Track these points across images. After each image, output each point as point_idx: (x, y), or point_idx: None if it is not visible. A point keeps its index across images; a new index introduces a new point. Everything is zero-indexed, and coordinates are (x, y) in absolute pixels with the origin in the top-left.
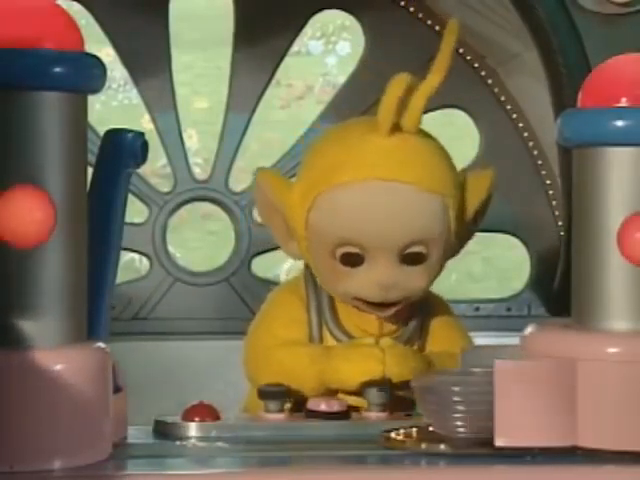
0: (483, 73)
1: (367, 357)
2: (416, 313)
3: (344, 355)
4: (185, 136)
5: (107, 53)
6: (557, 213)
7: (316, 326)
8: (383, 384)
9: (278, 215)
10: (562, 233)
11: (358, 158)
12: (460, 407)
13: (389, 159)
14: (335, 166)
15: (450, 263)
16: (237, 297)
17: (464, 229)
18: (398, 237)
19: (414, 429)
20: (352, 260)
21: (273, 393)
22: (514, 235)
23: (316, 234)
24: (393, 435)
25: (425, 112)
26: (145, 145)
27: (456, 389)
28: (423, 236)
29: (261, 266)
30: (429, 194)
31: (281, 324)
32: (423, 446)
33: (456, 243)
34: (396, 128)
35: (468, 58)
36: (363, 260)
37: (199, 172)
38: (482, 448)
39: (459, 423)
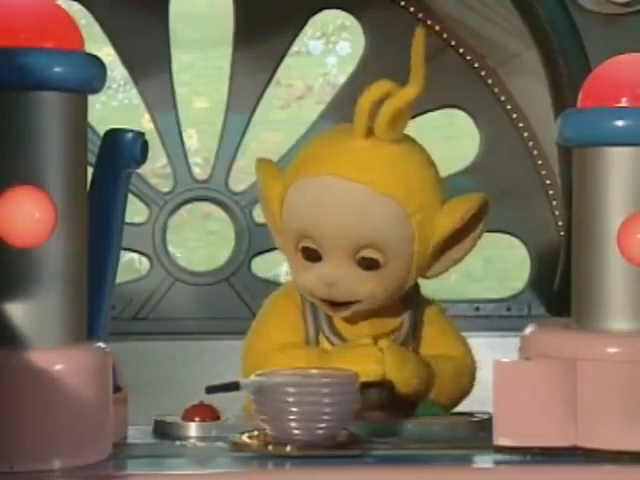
0: (483, 73)
1: (366, 358)
2: (408, 318)
3: (343, 357)
4: (185, 136)
5: (107, 53)
6: (557, 213)
7: (312, 330)
8: (383, 385)
9: (266, 205)
10: (562, 233)
11: (325, 155)
12: (295, 409)
13: (353, 159)
14: (305, 160)
15: None
16: (237, 297)
17: (434, 251)
18: (350, 236)
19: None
20: (311, 255)
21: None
22: (514, 235)
23: (285, 226)
24: (242, 437)
25: (425, 112)
26: (145, 145)
27: (291, 390)
28: (376, 240)
29: (261, 266)
30: (386, 198)
31: (277, 329)
32: (270, 448)
33: (422, 263)
34: (372, 134)
35: (468, 58)
36: (321, 257)
37: (199, 172)
38: (329, 450)
39: (294, 425)
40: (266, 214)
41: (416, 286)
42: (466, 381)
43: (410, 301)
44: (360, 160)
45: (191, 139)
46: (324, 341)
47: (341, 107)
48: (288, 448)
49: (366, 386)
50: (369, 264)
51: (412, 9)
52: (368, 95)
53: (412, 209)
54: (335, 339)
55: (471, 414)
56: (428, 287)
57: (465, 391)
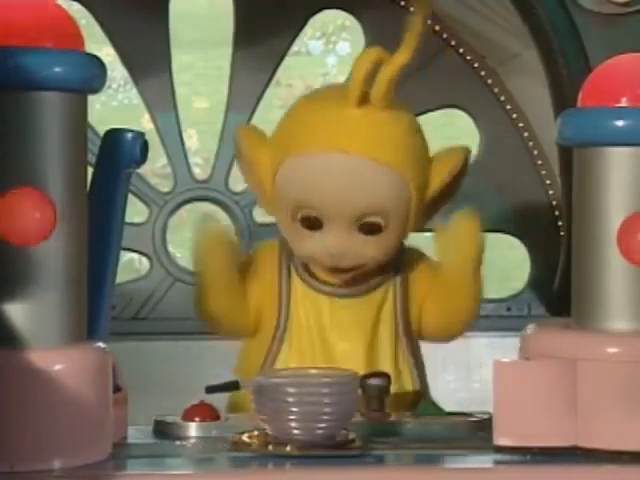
0: (483, 73)
1: None
2: (394, 271)
3: None
4: (185, 136)
5: (107, 53)
6: (557, 213)
7: (285, 275)
8: (382, 375)
9: (253, 172)
10: (562, 233)
11: (322, 128)
12: (295, 409)
13: (351, 132)
14: (301, 133)
15: None
16: None
17: (426, 207)
18: (354, 206)
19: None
20: (311, 223)
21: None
22: (514, 235)
23: (280, 195)
24: (242, 437)
25: (425, 112)
26: (145, 145)
27: (291, 390)
28: (380, 207)
29: None
30: (387, 168)
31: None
32: (270, 448)
33: (416, 220)
34: (365, 100)
35: (468, 58)
36: (322, 224)
37: (199, 172)
38: (329, 450)
39: (294, 425)
40: (252, 182)
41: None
42: (475, 308)
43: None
44: (358, 132)
45: (191, 139)
46: (297, 279)
47: None
48: (288, 448)
49: (366, 378)
50: (371, 229)
51: (412, 9)
52: (361, 62)
53: (411, 174)
54: (308, 277)
55: (471, 414)
56: None
57: (474, 316)
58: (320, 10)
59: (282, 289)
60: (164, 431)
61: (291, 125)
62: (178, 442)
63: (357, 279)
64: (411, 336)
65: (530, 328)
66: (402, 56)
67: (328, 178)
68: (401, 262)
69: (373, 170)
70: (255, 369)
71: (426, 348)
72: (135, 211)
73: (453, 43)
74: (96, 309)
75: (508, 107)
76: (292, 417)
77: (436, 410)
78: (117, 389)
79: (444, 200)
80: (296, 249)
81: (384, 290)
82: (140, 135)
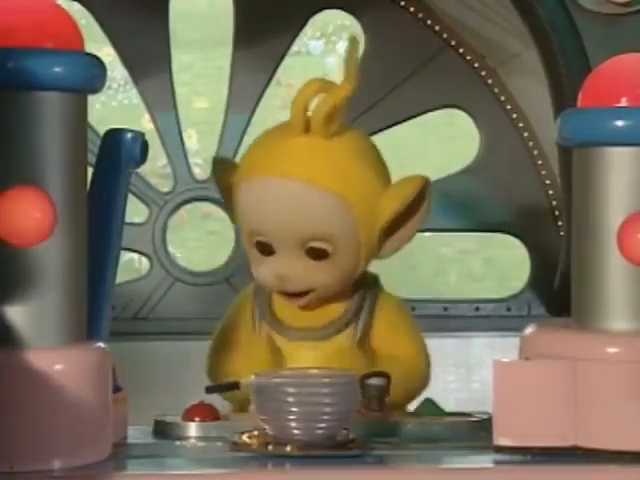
0: (483, 73)
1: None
2: (356, 309)
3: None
4: (185, 136)
5: (107, 53)
6: (557, 213)
7: (257, 319)
8: (382, 375)
9: (228, 206)
10: (562, 233)
11: (265, 155)
12: (295, 409)
13: (290, 157)
14: (249, 161)
15: (450, 263)
16: None
17: (381, 234)
18: (295, 231)
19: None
20: (265, 249)
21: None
22: (514, 235)
23: (240, 223)
24: (242, 437)
25: (425, 112)
26: (145, 145)
27: (291, 390)
28: (323, 233)
29: None
30: (326, 192)
31: (235, 329)
32: (270, 448)
33: (371, 247)
34: (308, 130)
35: (468, 58)
36: (274, 251)
37: (199, 172)
38: (329, 450)
39: (294, 425)
40: (228, 213)
41: (374, 279)
42: (415, 386)
43: (363, 293)
44: (297, 157)
45: (191, 139)
46: (266, 326)
47: None
48: (288, 448)
49: (366, 378)
50: (318, 254)
51: (412, 9)
52: (302, 93)
53: (353, 200)
54: (274, 322)
55: (471, 414)
56: (429, 287)
57: (414, 395)
58: (320, 10)
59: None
60: (164, 431)
61: (247, 155)
62: (178, 442)
63: (314, 308)
64: None
65: (530, 328)
66: (344, 88)
67: (268, 202)
68: (367, 303)
69: (311, 194)
70: None
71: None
72: (135, 211)
73: (453, 43)
74: (96, 309)
75: (508, 107)
76: (292, 417)
77: (436, 410)
78: (117, 389)
79: (405, 229)
80: (254, 274)
81: (347, 334)
82: (140, 135)
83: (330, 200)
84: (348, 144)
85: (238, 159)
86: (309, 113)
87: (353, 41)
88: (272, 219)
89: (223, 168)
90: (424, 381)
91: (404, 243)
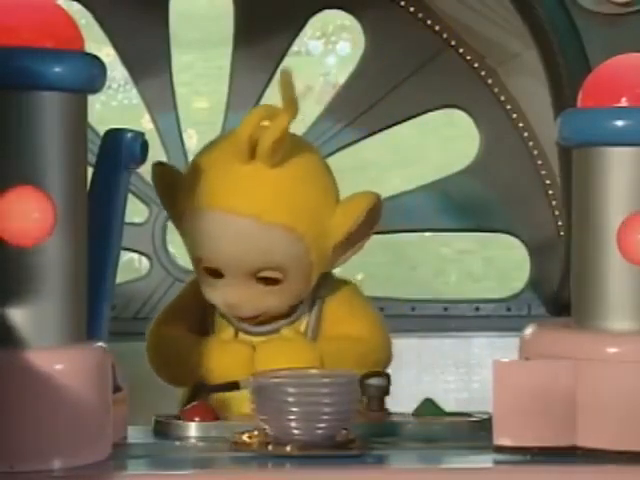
0: (483, 73)
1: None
2: (309, 304)
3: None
4: (185, 136)
5: (107, 53)
6: (557, 213)
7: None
8: (382, 375)
9: (170, 206)
10: (562, 233)
11: (212, 186)
12: (295, 409)
13: (237, 190)
14: (194, 189)
15: (450, 263)
16: None
17: (333, 252)
18: (245, 263)
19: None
20: (213, 273)
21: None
22: (514, 235)
23: (185, 244)
24: (242, 437)
25: (425, 112)
26: (145, 145)
27: (291, 390)
28: (272, 263)
29: None
30: (273, 226)
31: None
32: (270, 448)
33: (323, 265)
34: (254, 157)
35: (468, 58)
36: (223, 274)
37: None
38: (329, 450)
39: (294, 425)
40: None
41: (325, 275)
42: (375, 359)
43: (314, 293)
44: (244, 190)
45: (191, 139)
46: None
47: (341, 107)
48: (288, 448)
49: (366, 378)
50: (270, 281)
51: (412, 9)
52: (248, 120)
53: (303, 229)
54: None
55: (471, 414)
56: (429, 287)
57: (377, 367)
58: (320, 10)
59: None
60: (164, 431)
61: (189, 178)
62: (178, 442)
63: (265, 322)
64: None
65: (530, 328)
66: (284, 118)
67: (216, 237)
68: (318, 298)
69: (260, 229)
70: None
71: (425, 348)
72: (135, 211)
73: (453, 43)
74: (96, 309)
75: (508, 107)
76: (292, 417)
77: (436, 410)
78: (117, 389)
79: (356, 242)
80: (204, 294)
81: (296, 327)
82: (140, 135)
83: (280, 233)
84: (294, 171)
85: None
86: (253, 140)
87: (285, 73)
88: (221, 251)
89: (163, 175)
90: (384, 358)
91: (354, 254)
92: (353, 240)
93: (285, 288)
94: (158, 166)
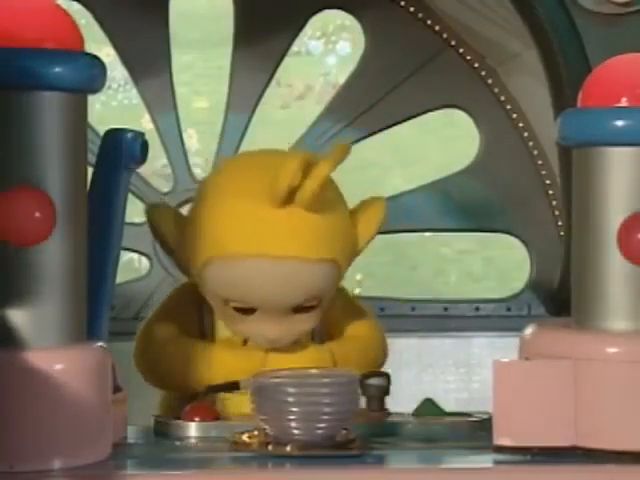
0: (483, 73)
1: (247, 358)
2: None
3: (225, 354)
4: (185, 136)
5: (107, 53)
6: (557, 213)
7: (208, 325)
8: (382, 375)
9: (175, 257)
10: (562, 233)
11: (247, 232)
12: (295, 409)
13: (277, 233)
14: (226, 235)
15: (450, 263)
16: None
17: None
18: (286, 302)
19: (262, 432)
20: (244, 310)
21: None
22: (514, 235)
23: (208, 288)
24: (242, 437)
25: (425, 112)
26: (145, 145)
27: (291, 390)
28: (314, 296)
29: None
30: (316, 263)
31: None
32: (270, 448)
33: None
34: (289, 199)
35: (468, 58)
36: (255, 310)
37: (199, 172)
38: (329, 450)
39: (294, 425)
40: (175, 262)
41: None
42: (374, 355)
43: None
44: (285, 234)
45: (191, 139)
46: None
47: (341, 107)
48: (288, 448)
49: (366, 378)
50: (307, 309)
51: (412, 9)
52: (289, 169)
53: (342, 257)
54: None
55: (471, 414)
56: (429, 287)
57: (377, 363)
58: (320, 10)
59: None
60: (164, 431)
61: (214, 223)
62: (178, 442)
63: None
64: None
65: (530, 328)
66: (325, 167)
67: (258, 282)
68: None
69: (303, 269)
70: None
71: (425, 348)
72: (135, 211)
73: (453, 43)
74: (96, 309)
75: (508, 107)
76: (292, 417)
77: (436, 410)
78: (117, 389)
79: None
80: (230, 327)
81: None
82: (140, 135)
83: (322, 268)
84: (325, 206)
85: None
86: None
87: (346, 147)
88: (259, 293)
89: (161, 216)
90: (384, 351)
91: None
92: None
93: (319, 311)
94: (157, 210)
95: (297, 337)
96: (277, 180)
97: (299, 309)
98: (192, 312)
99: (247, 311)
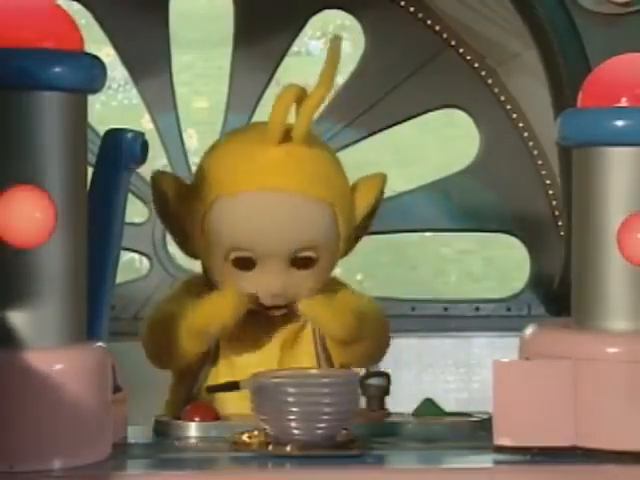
0: (483, 73)
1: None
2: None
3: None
4: (185, 136)
5: (107, 53)
6: (557, 213)
7: None
8: (382, 375)
9: (175, 216)
10: (562, 233)
11: (248, 169)
12: (295, 409)
13: (276, 169)
14: (227, 175)
15: (450, 263)
16: None
17: (352, 233)
18: (287, 243)
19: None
20: (244, 264)
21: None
22: (514, 235)
23: (211, 238)
24: (242, 437)
25: (425, 112)
26: (145, 145)
27: (291, 390)
28: (312, 242)
29: None
30: (316, 202)
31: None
32: (270, 448)
33: (344, 246)
34: (286, 138)
35: (468, 58)
36: (255, 264)
37: None
38: (329, 450)
39: (294, 425)
40: (171, 223)
41: None
42: (368, 320)
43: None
44: (285, 169)
45: (191, 139)
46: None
47: (341, 107)
48: (288, 448)
49: (366, 378)
50: (305, 263)
51: (412, 9)
52: (281, 101)
53: (340, 207)
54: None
55: (471, 414)
56: (429, 287)
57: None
58: (320, 10)
59: None
60: (164, 431)
61: (216, 167)
62: (178, 442)
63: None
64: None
65: (530, 328)
66: (319, 92)
67: (263, 216)
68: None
69: (306, 205)
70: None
71: (425, 348)
72: (135, 211)
73: (453, 43)
74: (96, 309)
75: (508, 107)
76: (292, 417)
77: (436, 410)
78: (117, 389)
79: (366, 227)
80: (231, 286)
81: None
82: (140, 135)
83: (321, 208)
84: (325, 151)
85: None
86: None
87: (336, 40)
88: (263, 233)
89: (172, 187)
90: (382, 321)
91: (356, 243)
92: (365, 223)
93: (317, 270)
94: (160, 177)
95: (296, 297)
96: (271, 117)
97: (297, 262)
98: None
99: (247, 265)
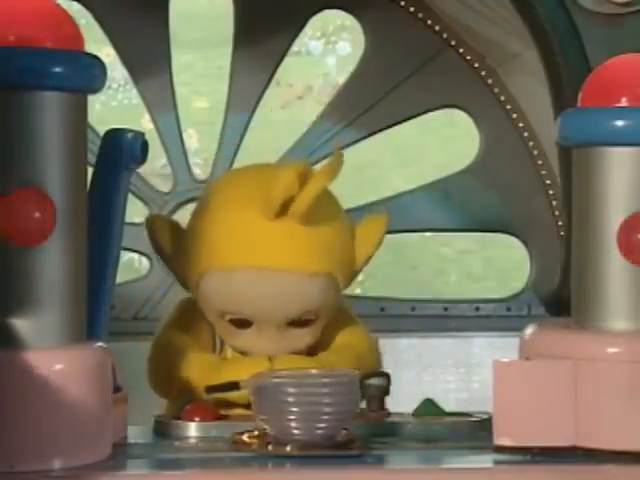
0: (483, 73)
1: (255, 366)
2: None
3: (233, 366)
4: (185, 136)
5: (107, 53)
6: (557, 213)
7: (218, 342)
8: (382, 375)
9: (171, 261)
10: (562, 233)
11: (243, 243)
12: (295, 409)
13: (271, 245)
14: (222, 246)
15: (450, 263)
16: None
17: (351, 277)
18: (284, 315)
19: (262, 431)
20: (240, 323)
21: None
22: (514, 235)
23: (205, 300)
24: (242, 437)
25: (425, 112)
26: (145, 145)
27: (291, 390)
28: (311, 309)
29: None
30: (315, 277)
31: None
32: (270, 448)
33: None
34: (284, 210)
35: (468, 58)
36: (251, 323)
37: (199, 172)
38: (329, 450)
39: (294, 425)
40: (173, 271)
41: None
42: (369, 361)
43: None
44: (278, 246)
45: (191, 139)
46: (229, 350)
47: (341, 107)
48: (288, 448)
49: (366, 378)
50: (303, 323)
51: (412, 9)
52: (284, 181)
53: (340, 271)
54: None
55: (471, 414)
56: (429, 287)
57: (373, 367)
58: (320, 10)
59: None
60: (164, 431)
61: (210, 235)
62: (178, 442)
63: None
64: None
65: (530, 328)
66: (322, 179)
67: (255, 294)
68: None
69: (301, 281)
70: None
71: (425, 348)
72: (135, 211)
73: (453, 43)
74: (96, 309)
75: (508, 107)
76: (292, 417)
77: (436, 410)
78: (117, 389)
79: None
80: (227, 341)
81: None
82: (140, 135)
83: (321, 281)
84: (322, 219)
85: (238, 158)
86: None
87: (339, 155)
88: (258, 308)
89: (159, 227)
90: (378, 355)
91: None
92: (361, 269)
93: (316, 326)
94: (156, 220)
95: (294, 351)
96: (272, 192)
97: (296, 323)
98: (203, 324)
99: (243, 325)
